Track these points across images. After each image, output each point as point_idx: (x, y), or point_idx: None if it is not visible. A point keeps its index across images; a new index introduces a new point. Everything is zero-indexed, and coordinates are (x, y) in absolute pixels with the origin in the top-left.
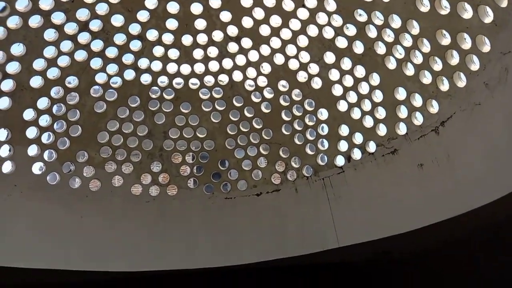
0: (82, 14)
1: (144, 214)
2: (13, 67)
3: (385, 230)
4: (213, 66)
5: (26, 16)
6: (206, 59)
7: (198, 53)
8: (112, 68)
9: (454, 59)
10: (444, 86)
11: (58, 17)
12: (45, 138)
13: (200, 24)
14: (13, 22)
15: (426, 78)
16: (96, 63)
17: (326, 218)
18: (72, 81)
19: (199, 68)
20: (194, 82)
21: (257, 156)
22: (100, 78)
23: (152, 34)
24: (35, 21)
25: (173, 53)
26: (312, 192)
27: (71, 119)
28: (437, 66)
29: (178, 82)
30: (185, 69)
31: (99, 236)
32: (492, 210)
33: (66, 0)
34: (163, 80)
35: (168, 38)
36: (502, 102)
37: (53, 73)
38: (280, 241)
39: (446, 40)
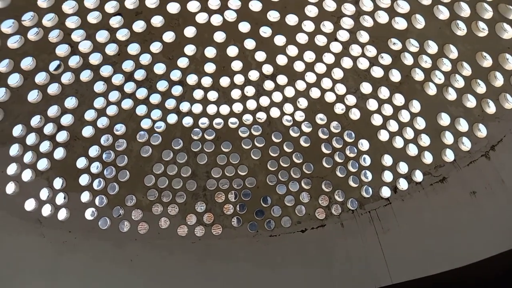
0: (127, 65)
1: (191, 254)
2: (66, 119)
3: (440, 264)
4: (251, 104)
5: (78, 72)
6: (243, 99)
7: (235, 93)
8: (156, 114)
9: (498, 81)
10: (491, 108)
11: (106, 70)
12: (96, 184)
13: (237, 65)
14: (66, 78)
15: (470, 102)
16: (141, 110)
17: (376, 253)
18: (119, 128)
19: (238, 107)
20: (233, 122)
21: (299, 191)
22: (145, 123)
23: (192, 79)
24: (85, 76)
25: (212, 95)
26: (359, 226)
27: (120, 164)
28: (481, 88)
29: (218, 122)
30: (224, 109)
31: (148, 277)
32: None
33: (113, 54)
34: (203, 122)
35: (207, 81)
36: None
37: (102, 122)
38: (328, 279)
39: (487, 62)
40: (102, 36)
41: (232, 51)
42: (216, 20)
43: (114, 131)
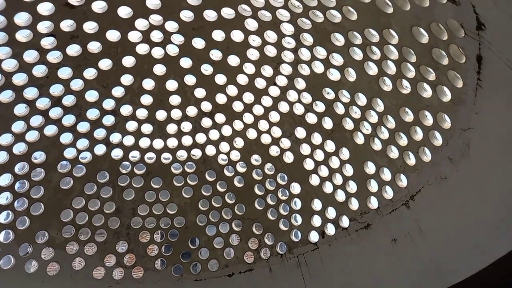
0: (56, 89)
1: None
2: None
3: None
4: (186, 140)
5: None
6: (179, 134)
7: (171, 128)
8: (82, 143)
9: (418, 135)
10: (411, 160)
11: (30, 92)
12: (3, 217)
13: (175, 100)
14: None
15: (393, 153)
16: (66, 138)
17: None
18: (38, 156)
19: (172, 142)
20: (166, 157)
21: (229, 233)
22: (69, 153)
23: (126, 109)
24: (6, 96)
25: (146, 128)
26: (286, 271)
27: (34, 196)
28: (403, 141)
29: (150, 156)
30: (158, 143)
31: None
32: (472, 285)
33: (41, 76)
34: (134, 155)
35: (142, 113)
36: (467, 175)
37: (19, 148)
38: None
39: (409, 117)
40: (30, 56)
41: (172, 85)
42: (157, 52)
43: (32, 158)
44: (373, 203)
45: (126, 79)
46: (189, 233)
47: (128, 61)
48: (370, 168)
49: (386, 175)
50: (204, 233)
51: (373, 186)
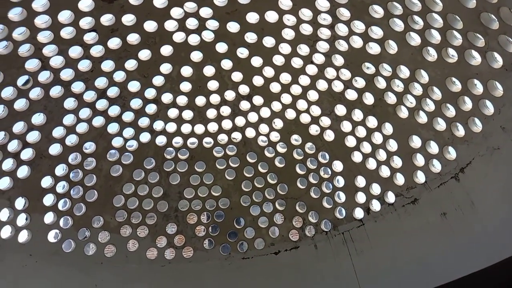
0: (100, 82)
1: (160, 278)
2: (33, 137)
3: (412, 285)
4: (226, 124)
5: (47, 87)
6: (219, 118)
7: (211, 113)
8: (128, 132)
9: (467, 105)
10: (460, 132)
11: (77, 87)
12: (62, 204)
13: (213, 85)
14: (35, 93)
15: (440, 125)
16: (112, 128)
17: (349, 275)
18: (89, 146)
19: (213, 127)
20: (208, 141)
21: (273, 213)
22: (117, 142)
23: (166, 97)
24: (55, 91)
25: (187, 114)
26: (332, 248)
27: (88, 184)
28: (450, 112)
29: (192, 142)
30: (199, 129)
31: None
32: None
33: (86, 70)
34: (177, 141)
35: (182, 100)
36: None
37: (71, 140)
38: None
39: (456, 87)
40: (75, 52)
41: (209, 70)
42: (193, 39)
43: (83, 149)
44: (420, 177)
45: (165, 68)
46: (234, 214)
47: (166, 50)
48: (416, 142)
49: (433, 148)
50: (249, 213)
51: (419, 160)
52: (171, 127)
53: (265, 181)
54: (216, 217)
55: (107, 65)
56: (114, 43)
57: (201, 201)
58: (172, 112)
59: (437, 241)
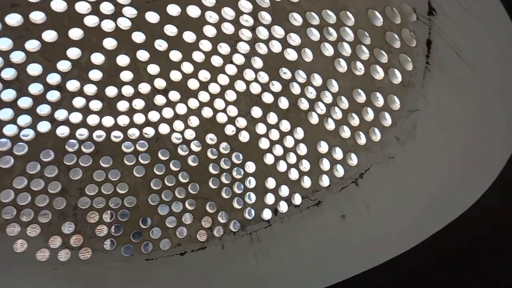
0: None
1: (52, 282)
2: None
3: (312, 283)
4: (138, 118)
5: None
6: (131, 112)
7: (122, 105)
8: (24, 120)
9: (369, 115)
10: (362, 140)
11: None
12: None
13: (126, 76)
14: None
15: (345, 133)
16: (5, 114)
17: (253, 275)
18: None
19: (123, 120)
20: (116, 135)
21: (182, 212)
22: (9, 130)
23: (73, 85)
24: None
25: (95, 105)
26: (239, 248)
27: None
28: (355, 121)
29: (99, 135)
30: (108, 121)
31: None
32: (411, 257)
33: None
34: (82, 133)
35: (90, 89)
36: (413, 155)
37: None
38: None
39: (361, 98)
40: None
41: (123, 60)
42: (108, 25)
43: None
44: (325, 181)
45: (73, 53)
46: (140, 213)
47: (76, 33)
48: (323, 147)
49: (338, 154)
50: (156, 212)
51: (325, 164)
52: (76, 118)
53: (176, 180)
54: (120, 216)
55: (4, 43)
56: (14, 19)
57: (105, 198)
58: (78, 102)
59: (337, 241)
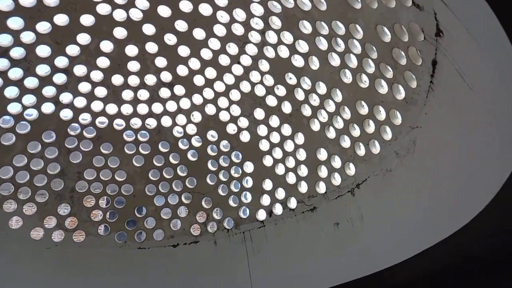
0: (4, 39)
1: (44, 262)
2: None
3: (299, 286)
4: (142, 109)
5: None
6: (135, 101)
7: (127, 94)
8: (29, 99)
9: (370, 128)
10: (361, 151)
11: None
12: None
13: (134, 66)
14: None
15: (345, 143)
16: (11, 91)
17: (243, 273)
18: None
19: (127, 109)
20: (119, 123)
21: (178, 205)
22: (14, 108)
23: (80, 70)
24: None
25: (100, 92)
26: (231, 246)
27: None
28: (356, 132)
29: (101, 121)
30: (112, 108)
31: None
32: (400, 270)
33: None
34: (85, 118)
35: (97, 76)
36: (410, 170)
37: None
38: None
39: (364, 110)
40: None
41: (131, 50)
42: (120, 15)
43: None
44: (321, 188)
45: (83, 39)
46: (136, 202)
47: (87, 20)
48: (322, 154)
49: (337, 162)
50: (152, 203)
51: (323, 172)
52: (80, 102)
53: (175, 173)
54: (116, 203)
55: (16, 23)
56: (27, 0)
57: (102, 184)
58: (84, 87)
59: (328, 248)
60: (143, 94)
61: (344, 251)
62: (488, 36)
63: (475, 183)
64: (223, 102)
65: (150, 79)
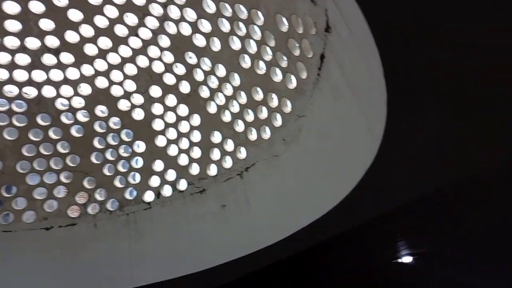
0: None
1: None
2: None
3: (186, 268)
4: (20, 75)
5: None
6: (11, 66)
7: (2, 57)
8: None
9: (263, 114)
10: (253, 136)
11: None
12: None
13: (13, 26)
14: None
15: (239, 127)
16: None
17: (123, 257)
18: None
19: (1, 74)
20: None
21: (55, 185)
22: None
23: None
24: None
25: None
26: (113, 228)
27: None
28: (249, 117)
29: None
30: None
31: None
32: (285, 246)
33: None
34: None
35: None
36: (294, 156)
37: None
38: (67, 283)
39: (259, 96)
40: None
41: (11, 7)
42: None
43: None
44: (212, 170)
45: None
46: (5, 179)
47: None
48: (216, 137)
49: (229, 146)
50: (24, 181)
51: (216, 154)
52: None
53: (54, 149)
54: None
55: None
56: None
57: None
58: None
59: (213, 228)
60: (22, 59)
61: (228, 232)
62: (361, 34)
63: (349, 164)
64: (116, 75)
65: (32, 43)
